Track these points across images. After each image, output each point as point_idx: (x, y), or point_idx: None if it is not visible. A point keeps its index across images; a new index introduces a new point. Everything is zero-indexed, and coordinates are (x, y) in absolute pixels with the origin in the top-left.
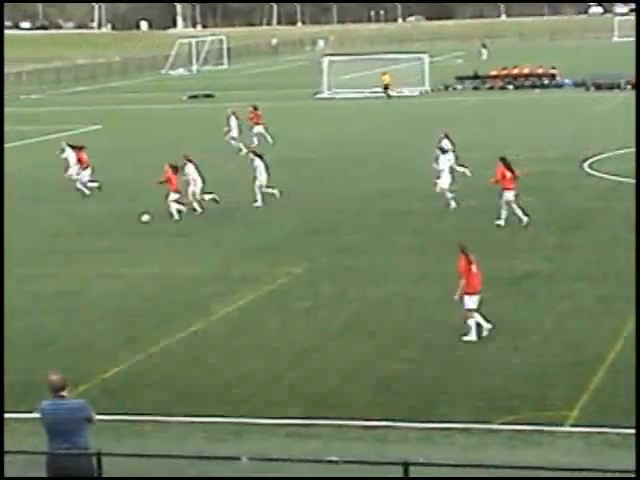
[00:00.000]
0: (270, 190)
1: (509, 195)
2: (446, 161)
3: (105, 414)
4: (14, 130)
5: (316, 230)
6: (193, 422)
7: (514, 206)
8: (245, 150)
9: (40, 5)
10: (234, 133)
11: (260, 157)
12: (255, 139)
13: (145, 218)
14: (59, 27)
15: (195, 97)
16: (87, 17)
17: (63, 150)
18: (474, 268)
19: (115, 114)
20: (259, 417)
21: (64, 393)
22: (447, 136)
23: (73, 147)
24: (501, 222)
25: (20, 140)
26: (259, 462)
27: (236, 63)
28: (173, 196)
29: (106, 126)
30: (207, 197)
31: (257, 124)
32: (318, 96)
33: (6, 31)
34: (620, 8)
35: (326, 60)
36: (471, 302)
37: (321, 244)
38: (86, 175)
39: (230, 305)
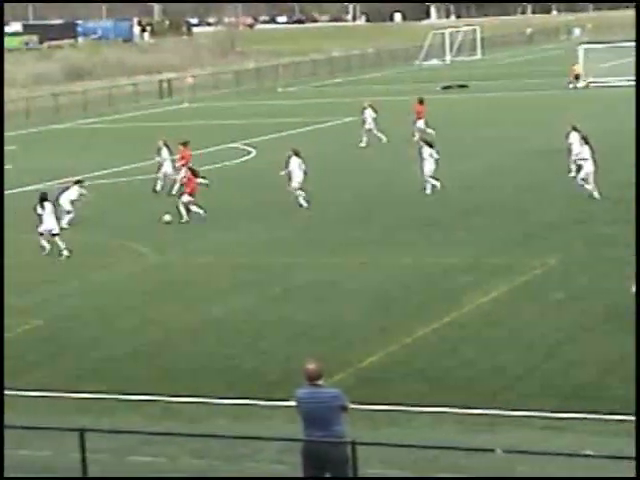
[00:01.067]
0: (433, 181)
1: None
2: None
3: (360, 403)
4: (273, 123)
5: (573, 220)
6: (446, 412)
7: None
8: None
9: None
10: (369, 126)
11: (430, 145)
12: (417, 133)
13: (167, 218)
14: (315, 21)
15: (448, 88)
16: (342, 10)
17: (159, 150)
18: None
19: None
20: (513, 409)
21: (320, 382)
22: None
23: (184, 144)
24: None
25: (277, 132)
26: (514, 454)
27: (490, 53)
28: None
29: (360, 118)
30: (300, 194)
31: (419, 118)
32: (573, 85)
33: (264, 26)
34: None
35: (582, 48)
36: None
37: (577, 234)
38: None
39: (483, 296)
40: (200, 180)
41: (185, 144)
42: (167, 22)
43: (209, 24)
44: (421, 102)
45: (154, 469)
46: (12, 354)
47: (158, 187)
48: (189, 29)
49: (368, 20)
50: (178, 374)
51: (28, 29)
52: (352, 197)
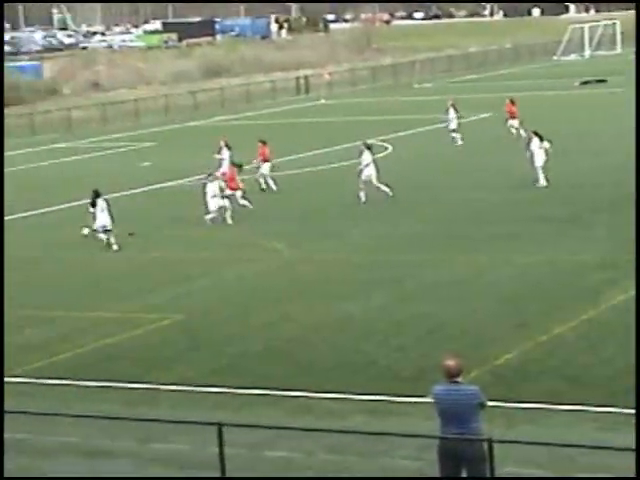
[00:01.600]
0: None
1: None
2: None
3: (496, 400)
4: (409, 119)
5: None
6: (584, 411)
7: None
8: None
9: None
10: (452, 125)
11: (540, 138)
12: (513, 130)
13: (85, 232)
14: (452, 16)
15: (587, 83)
16: (479, 6)
17: (220, 149)
18: None
19: (504, 101)
20: None
21: (459, 379)
22: None
23: (263, 142)
24: None
25: (413, 129)
26: None
27: (630, 47)
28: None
29: (495, 114)
30: (383, 187)
31: (513, 117)
32: None
33: (401, 22)
34: None
35: None
36: None
37: None
38: (266, 168)
39: (621, 294)
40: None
41: (264, 142)
42: (304, 19)
43: (346, 20)
44: (513, 102)
45: (290, 464)
46: (153, 348)
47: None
48: (326, 26)
49: (505, 15)
50: (313, 370)
51: (168, 27)
52: (481, 194)
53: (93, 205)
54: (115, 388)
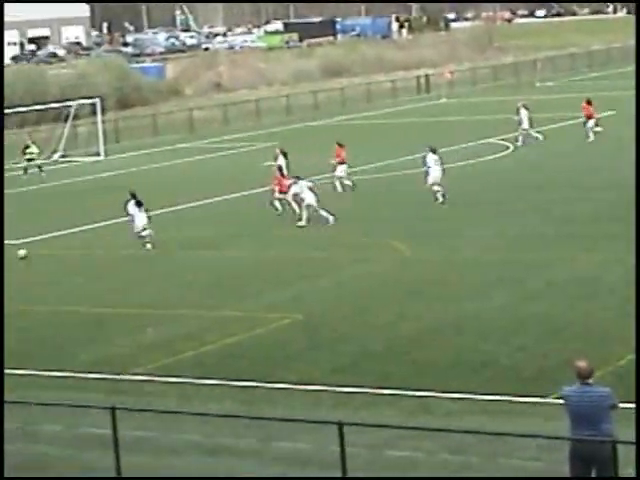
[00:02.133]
0: None
1: None
2: None
3: (620, 401)
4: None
5: None
6: None
7: None
8: (540, 137)
9: None
10: (525, 125)
11: None
12: (590, 133)
13: (21, 253)
14: (574, 14)
15: None
16: (602, 3)
17: (277, 157)
18: None
19: (629, 100)
20: None
21: (590, 380)
22: None
23: (340, 145)
24: None
25: (532, 128)
26: None
27: None
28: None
29: (620, 112)
30: (436, 188)
31: (589, 118)
32: None
33: (522, 20)
34: None
35: None
36: None
37: None
38: (341, 170)
39: None
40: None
41: (341, 145)
42: (425, 18)
43: (467, 19)
44: (589, 102)
45: (411, 464)
46: (273, 348)
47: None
48: (447, 25)
49: (629, 12)
50: (433, 369)
51: (289, 28)
52: (605, 193)
53: (139, 205)
54: (237, 387)
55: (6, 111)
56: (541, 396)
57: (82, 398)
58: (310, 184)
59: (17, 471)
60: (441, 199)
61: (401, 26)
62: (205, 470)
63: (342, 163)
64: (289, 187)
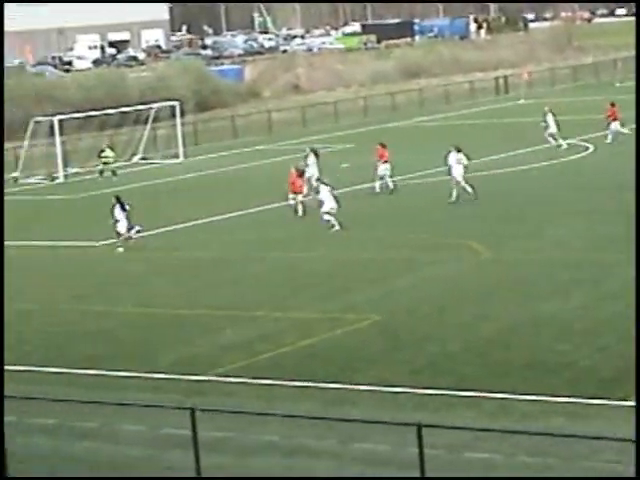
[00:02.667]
0: None
1: None
2: None
3: None
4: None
5: None
6: None
7: None
8: (564, 145)
9: None
10: (552, 129)
11: None
12: (610, 135)
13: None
14: None
15: None
16: None
17: (307, 156)
18: None
19: None
20: None
21: None
22: None
23: (382, 145)
24: None
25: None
26: None
27: None
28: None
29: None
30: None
31: (614, 120)
32: None
33: (602, 19)
34: None
35: None
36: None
37: None
38: (384, 169)
39: None
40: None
41: (384, 145)
42: (503, 18)
43: (545, 19)
44: (613, 104)
45: (490, 466)
46: (352, 349)
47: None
48: (525, 25)
49: None
50: (512, 370)
51: (367, 29)
52: None
53: (124, 209)
54: (315, 388)
55: (87, 114)
56: (621, 398)
57: (162, 399)
58: (330, 189)
59: (97, 470)
60: (470, 190)
61: (479, 27)
62: (284, 471)
63: (385, 162)
64: (302, 187)
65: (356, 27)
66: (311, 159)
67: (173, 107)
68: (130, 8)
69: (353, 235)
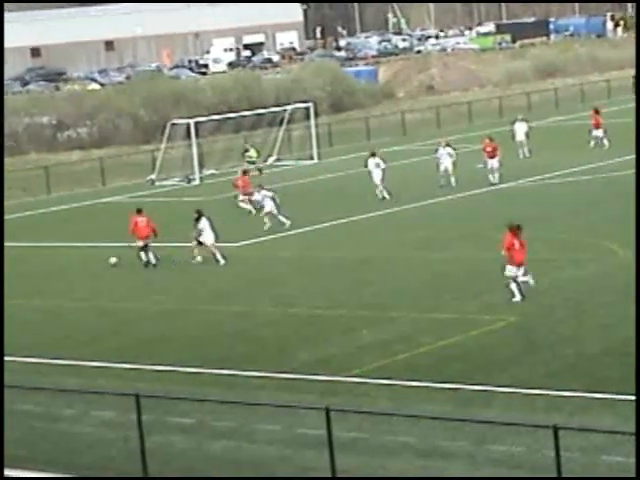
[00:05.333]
0: None
1: None
2: None
3: None
4: None
5: None
6: None
7: None
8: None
9: None
10: (519, 138)
11: None
12: (592, 142)
13: (112, 261)
14: None
15: None
16: None
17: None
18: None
19: None
20: None
21: None
22: None
23: (490, 138)
24: None
25: None
26: None
27: None
28: None
29: None
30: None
31: (597, 127)
32: None
33: None
34: None
35: None
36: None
37: None
38: (494, 162)
39: None
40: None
41: (491, 139)
42: None
43: None
44: (597, 112)
45: (627, 470)
46: (487, 350)
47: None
48: None
49: None
50: None
51: (501, 29)
52: None
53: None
54: (451, 389)
55: (223, 116)
56: None
57: (298, 399)
58: (270, 194)
59: (235, 470)
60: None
61: (616, 25)
62: (417, 471)
63: (492, 157)
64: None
65: (490, 27)
66: (441, 151)
67: (307, 108)
68: (265, 11)
69: (490, 235)
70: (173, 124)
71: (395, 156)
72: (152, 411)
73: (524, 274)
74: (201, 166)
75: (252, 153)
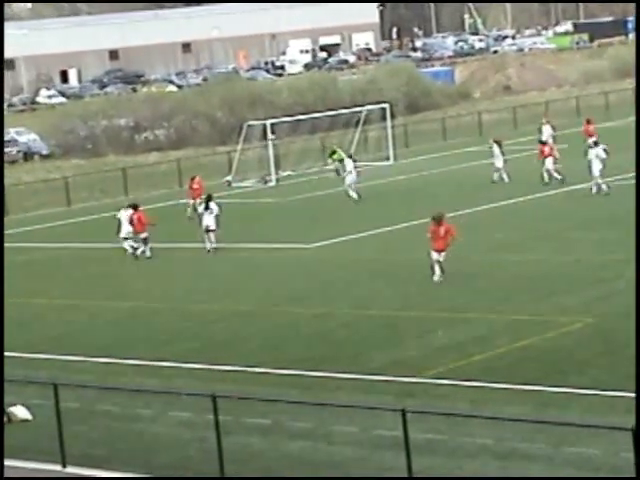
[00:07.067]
0: None
1: None
2: None
3: None
4: None
5: None
6: None
7: None
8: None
9: None
10: (498, 164)
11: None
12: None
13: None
14: None
15: None
16: None
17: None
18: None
19: None
20: None
21: None
22: None
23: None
24: None
25: None
26: None
27: None
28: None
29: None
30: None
31: (590, 136)
32: None
33: None
34: None
35: None
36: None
37: None
38: (549, 163)
39: None
40: None
41: (589, 121)
42: None
43: None
44: (589, 122)
45: None
46: (565, 351)
47: (495, 178)
48: None
49: None
50: None
51: (579, 28)
52: None
53: (206, 208)
54: (528, 391)
55: (299, 117)
56: None
57: (374, 400)
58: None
59: (312, 471)
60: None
61: None
62: (495, 473)
63: (547, 157)
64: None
65: (568, 26)
66: (495, 150)
67: (383, 109)
68: (341, 12)
69: (573, 237)
70: (249, 125)
71: (471, 157)
72: (229, 412)
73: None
74: (277, 167)
75: (340, 154)
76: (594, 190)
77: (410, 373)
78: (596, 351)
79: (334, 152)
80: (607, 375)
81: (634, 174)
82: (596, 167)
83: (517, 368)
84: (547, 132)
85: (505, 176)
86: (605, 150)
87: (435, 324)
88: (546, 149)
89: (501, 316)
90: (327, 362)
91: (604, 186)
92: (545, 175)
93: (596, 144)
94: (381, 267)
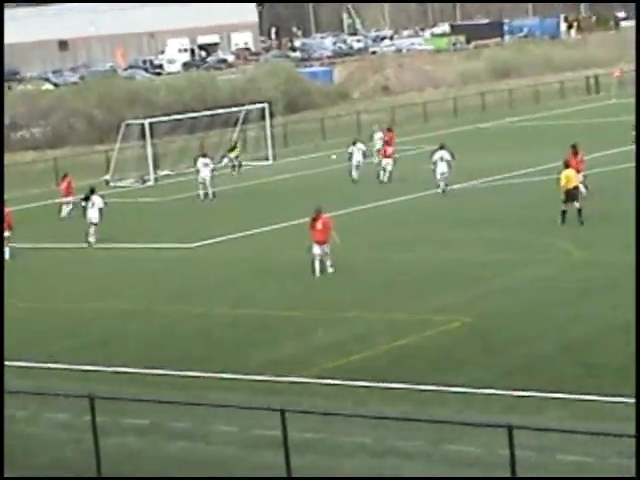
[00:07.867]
0: None
1: None
2: None
3: None
4: None
5: None
6: None
7: None
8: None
9: None
10: (356, 159)
11: None
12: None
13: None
14: None
15: None
16: None
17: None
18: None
19: None
20: None
21: None
22: None
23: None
24: None
25: None
26: None
27: None
28: None
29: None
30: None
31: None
32: None
33: None
34: None
35: None
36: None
37: None
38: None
39: None
40: None
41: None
42: (594, 17)
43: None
44: (389, 130)
45: (582, 468)
46: (443, 350)
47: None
48: (617, 24)
49: None
50: (605, 372)
51: (456, 29)
52: None
53: (86, 200)
54: (406, 389)
55: (178, 117)
56: None
57: (254, 400)
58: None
59: (190, 470)
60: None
61: (570, 26)
62: (371, 471)
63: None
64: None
65: (445, 27)
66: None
67: (263, 109)
68: (220, 11)
69: (450, 237)
70: (127, 124)
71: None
72: (106, 413)
73: (327, 254)
74: (156, 167)
75: (236, 152)
76: (440, 190)
77: (289, 372)
78: (473, 350)
79: (234, 148)
80: (484, 373)
81: (516, 173)
82: (439, 169)
83: (396, 367)
84: (377, 137)
85: (355, 173)
86: (451, 153)
87: (315, 323)
88: (389, 149)
89: (381, 315)
90: (205, 362)
91: (442, 184)
92: (381, 173)
93: (442, 147)
94: (261, 266)
